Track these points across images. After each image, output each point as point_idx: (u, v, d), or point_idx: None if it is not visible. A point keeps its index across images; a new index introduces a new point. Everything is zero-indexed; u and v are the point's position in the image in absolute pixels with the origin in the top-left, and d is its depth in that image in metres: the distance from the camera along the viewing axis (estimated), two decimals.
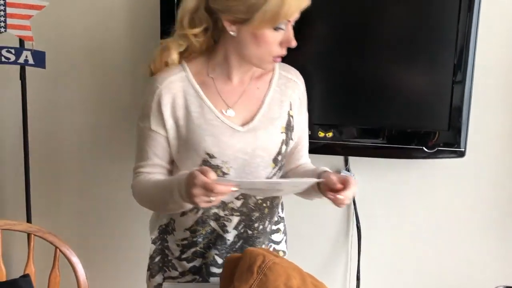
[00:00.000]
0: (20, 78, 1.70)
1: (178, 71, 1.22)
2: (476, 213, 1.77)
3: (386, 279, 1.85)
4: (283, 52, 1.18)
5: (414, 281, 1.83)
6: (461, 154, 1.61)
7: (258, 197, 1.25)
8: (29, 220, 1.76)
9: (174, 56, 1.21)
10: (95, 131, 1.85)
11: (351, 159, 1.77)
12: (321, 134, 1.64)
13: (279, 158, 1.26)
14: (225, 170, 1.20)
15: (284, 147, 1.27)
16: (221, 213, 1.24)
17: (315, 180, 1.14)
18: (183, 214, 1.25)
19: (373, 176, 1.78)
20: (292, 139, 1.30)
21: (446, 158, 1.63)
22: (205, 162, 1.20)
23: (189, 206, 1.14)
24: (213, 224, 1.25)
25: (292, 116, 1.29)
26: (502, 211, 1.75)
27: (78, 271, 1.40)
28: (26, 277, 0.84)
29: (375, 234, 1.81)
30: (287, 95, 1.29)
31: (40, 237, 1.41)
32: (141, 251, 1.92)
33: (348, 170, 1.79)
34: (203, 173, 1.03)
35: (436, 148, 1.61)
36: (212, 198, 1.03)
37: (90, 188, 1.90)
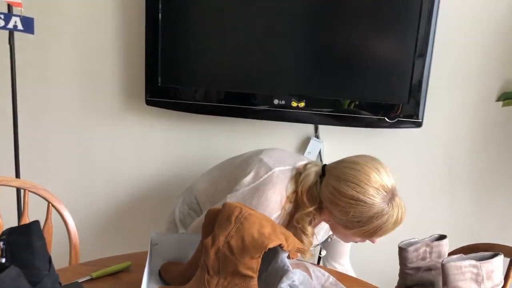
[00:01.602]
0: (9, 43, 1.77)
1: (281, 212, 1.31)
2: (430, 177, 1.95)
3: None
4: (365, 241, 1.31)
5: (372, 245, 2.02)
6: (419, 125, 1.79)
7: None
8: (17, 176, 1.87)
9: (310, 230, 1.31)
10: (83, 90, 1.95)
11: (321, 127, 1.92)
12: (294, 104, 1.78)
13: None
14: None
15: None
16: None
17: None
18: None
19: (341, 143, 1.94)
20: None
21: (406, 128, 1.80)
22: None
23: None
24: None
25: (330, 238, 1.50)
26: (453, 177, 1.94)
27: (69, 226, 1.53)
28: (36, 222, 0.97)
29: None
30: None
31: (34, 192, 1.53)
32: (126, 207, 2.07)
33: (317, 137, 1.95)
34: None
35: (397, 119, 1.77)
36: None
37: (78, 147, 2.01)
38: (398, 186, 1.92)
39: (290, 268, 1.11)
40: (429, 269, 0.98)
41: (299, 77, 1.81)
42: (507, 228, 1.94)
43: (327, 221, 1.34)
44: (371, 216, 1.19)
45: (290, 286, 1.05)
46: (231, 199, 1.33)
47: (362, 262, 1.75)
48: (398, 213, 1.20)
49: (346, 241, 1.38)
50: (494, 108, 1.84)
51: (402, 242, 0.99)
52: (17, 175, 1.86)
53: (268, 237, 1.04)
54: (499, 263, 0.93)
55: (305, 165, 1.34)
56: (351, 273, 1.66)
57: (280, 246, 1.09)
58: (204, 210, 1.49)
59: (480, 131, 1.88)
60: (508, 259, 1.26)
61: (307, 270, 1.15)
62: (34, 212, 1.60)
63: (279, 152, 1.48)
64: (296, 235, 1.30)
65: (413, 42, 1.71)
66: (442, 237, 1.04)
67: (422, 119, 1.78)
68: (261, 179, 1.32)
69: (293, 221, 1.31)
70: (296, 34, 1.77)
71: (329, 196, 1.25)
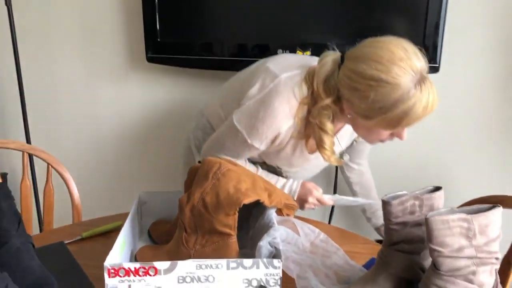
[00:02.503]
0: (6, 4, 1.75)
1: (293, 121, 1.22)
2: (451, 128, 1.82)
3: None
4: (392, 139, 1.19)
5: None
6: (436, 70, 1.64)
7: None
8: (28, 141, 1.88)
9: (329, 126, 1.21)
10: (84, 50, 1.92)
11: None
12: (300, 54, 1.67)
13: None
14: (284, 173, 1.40)
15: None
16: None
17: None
18: None
19: None
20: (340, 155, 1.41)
21: None
22: (273, 167, 1.38)
23: None
24: None
25: (355, 141, 1.43)
26: (477, 127, 1.80)
27: (71, 187, 1.52)
28: (2, 184, 0.95)
29: None
30: None
31: (33, 154, 1.53)
32: (133, 172, 2.06)
33: None
34: (316, 188, 1.35)
35: None
36: (316, 207, 1.37)
37: (83, 106, 1.99)
38: (416, 136, 1.82)
39: (275, 224, 1.05)
40: (418, 224, 0.89)
41: (303, 26, 1.69)
42: None
43: (347, 120, 1.21)
44: (395, 100, 1.03)
45: (270, 243, 0.99)
46: (237, 115, 1.25)
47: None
48: (428, 97, 1.03)
49: (371, 139, 1.23)
50: None
51: (387, 195, 0.90)
52: (27, 137, 1.88)
53: (244, 193, 0.98)
54: (496, 216, 0.83)
55: (321, 59, 1.21)
56: (368, 174, 1.58)
57: (260, 202, 1.02)
58: None
59: (503, 76, 1.72)
60: None
61: (294, 227, 1.09)
62: (42, 175, 1.62)
63: (288, 56, 1.34)
64: (314, 134, 1.23)
65: None
66: (437, 189, 0.94)
67: (439, 64, 1.63)
68: (267, 89, 1.21)
69: (310, 117, 1.21)
70: None
71: (346, 81, 1.10)
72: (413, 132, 1.19)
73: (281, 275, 0.94)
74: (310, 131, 1.25)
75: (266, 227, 1.04)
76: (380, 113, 1.07)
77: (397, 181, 1.84)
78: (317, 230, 1.11)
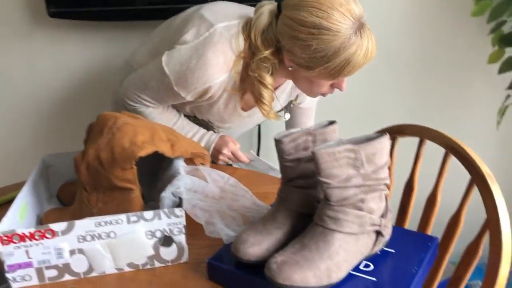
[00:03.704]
0: None
1: (228, 74, 1.19)
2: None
3: None
4: (332, 92, 1.19)
5: None
6: None
7: None
8: None
9: (269, 79, 1.19)
10: None
11: None
12: None
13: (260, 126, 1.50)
14: (215, 129, 1.40)
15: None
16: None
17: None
18: None
19: None
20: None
21: None
22: (204, 121, 1.38)
23: None
24: None
25: (292, 103, 1.42)
26: (393, 65, 1.83)
27: None
28: None
29: None
30: (298, 89, 1.31)
31: None
32: (50, 125, 1.96)
33: None
34: (234, 142, 1.35)
35: None
36: (230, 162, 1.38)
37: None
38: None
39: (182, 174, 1.04)
40: (312, 159, 0.90)
41: None
42: (445, 111, 1.86)
43: (287, 73, 1.20)
44: (337, 48, 1.03)
45: (173, 193, 0.99)
46: (166, 57, 1.19)
47: None
48: (368, 44, 1.05)
49: (312, 92, 1.22)
50: None
51: (279, 133, 0.90)
52: None
53: (140, 146, 0.96)
54: (382, 144, 0.85)
55: (256, 10, 1.18)
56: None
57: (160, 153, 1.01)
58: None
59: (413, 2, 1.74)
60: (416, 139, 1.19)
61: (202, 176, 1.08)
62: None
63: (225, 4, 1.29)
64: (253, 88, 1.21)
65: None
66: (331, 123, 0.95)
67: None
68: (201, 38, 1.16)
69: (249, 70, 1.19)
70: None
71: (286, 30, 1.08)
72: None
73: (184, 223, 0.94)
74: (247, 85, 1.23)
75: (172, 178, 1.03)
76: (323, 62, 1.06)
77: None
78: (226, 175, 1.11)
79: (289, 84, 1.34)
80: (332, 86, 1.18)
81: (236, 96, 1.27)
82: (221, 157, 1.36)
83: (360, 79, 1.82)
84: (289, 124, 1.53)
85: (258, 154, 1.95)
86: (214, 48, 1.15)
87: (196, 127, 1.37)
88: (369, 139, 0.87)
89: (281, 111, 1.41)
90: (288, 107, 1.43)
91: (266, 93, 1.20)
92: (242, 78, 1.22)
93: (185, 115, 1.38)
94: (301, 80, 1.19)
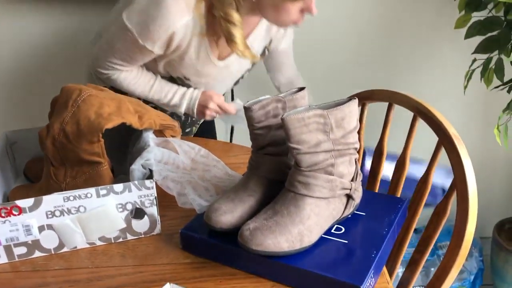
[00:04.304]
0: None
1: (191, 17, 1.16)
2: (334, 36, 1.83)
3: None
4: (303, 18, 1.16)
5: None
6: None
7: None
8: None
9: (236, 16, 1.16)
10: None
11: None
12: None
13: (239, 81, 1.46)
14: (193, 86, 1.36)
15: (247, 73, 1.43)
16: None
17: None
18: None
19: None
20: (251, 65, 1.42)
21: None
22: (179, 79, 1.33)
23: (181, 113, 1.37)
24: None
25: (267, 49, 1.39)
26: (359, 31, 1.83)
27: None
28: None
29: None
30: (271, 33, 1.31)
31: None
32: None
33: None
34: (217, 95, 1.34)
35: None
36: (218, 115, 1.36)
37: None
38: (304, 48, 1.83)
39: (152, 146, 1.03)
40: (282, 126, 0.90)
41: None
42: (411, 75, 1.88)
43: (252, 6, 1.17)
44: None
45: (143, 165, 0.97)
46: (126, 11, 1.17)
47: None
48: None
49: (282, 21, 1.19)
50: None
51: (249, 101, 0.90)
52: None
53: (106, 118, 0.93)
54: (351, 108, 0.85)
55: None
56: (299, 80, 1.53)
57: (127, 125, 0.99)
58: None
59: None
60: (386, 104, 1.20)
61: (172, 147, 1.07)
62: None
63: None
64: (222, 30, 1.19)
65: None
66: (300, 90, 0.94)
67: None
68: None
69: (213, 10, 1.18)
70: None
71: None
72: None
73: (155, 195, 0.93)
74: (217, 28, 1.21)
75: (142, 151, 1.02)
76: None
77: None
78: (197, 146, 1.10)
79: (260, 30, 1.32)
80: (302, 12, 1.17)
81: (206, 42, 1.24)
82: (208, 112, 1.34)
83: (325, 48, 1.83)
84: (270, 68, 1.51)
85: (232, 134, 1.93)
86: None
87: (175, 86, 1.34)
88: (338, 104, 0.87)
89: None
90: (264, 55, 1.42)
91: (235, 31, 1.18)
92: (209, 21, 1.20)
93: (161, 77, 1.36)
94: (267, 10, 1.18)
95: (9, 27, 1.77)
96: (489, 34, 1.53)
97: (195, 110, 1.35)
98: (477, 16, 1.55)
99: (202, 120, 1.56)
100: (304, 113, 0.81)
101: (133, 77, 1.30)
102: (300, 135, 0.81)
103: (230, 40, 1.19)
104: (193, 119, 1.50)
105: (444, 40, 1.82)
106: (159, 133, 1.13)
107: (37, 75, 1.84)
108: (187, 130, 1.53)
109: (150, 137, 1.07)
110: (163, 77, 1.35)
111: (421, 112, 1.09)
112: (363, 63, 1.86)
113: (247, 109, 0.89)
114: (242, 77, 1.46)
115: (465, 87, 1.58)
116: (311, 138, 0.82)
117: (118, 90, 1.30)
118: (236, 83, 1.48)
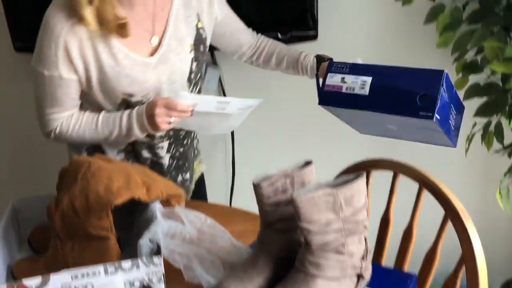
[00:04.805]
0: None
1: (73, 17, 1.12)
2: None
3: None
4: None
5: None
6: (315, 37, 1.67)
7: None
8: None
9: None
10: None
11: (217, 53, 1.78)
12: None
13: (192, 76, 1.29)
14: (145, 101, 1.21)
15: (195, 63, 1.28)
16: (152, 142, 1.31)
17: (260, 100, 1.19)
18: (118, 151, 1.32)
19: (240, 69, 1.81)
20: (204, 51, 1.30)
21: (302, 42, 1.67)
22: (125, 102, 1.21)
23: (140, 135, 1.22)
24: (146, 154, 1.33)
25: (202, 28, 1.27)
26: None
27: None
28: None
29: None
30: (192, 7, 1.25)
31: None
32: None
33: (215, 63, 1.81)
34: (161, 97, 1.16)
35: (290, 34, 1.64)
36: (172, 119, 1.14)
37: None
38: (303, 98, 1.84)
39: (159, 218, 1.02)
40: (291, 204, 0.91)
41: None
42: None
43: None
44: None
45: (151, 240, 0.97)
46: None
47: None
48: None
49: None
50: (393, 7, 1.72)
51: (256, 177, 0.90)
52: None
53: (115, 193, 0.94)
54: (359, 186, 0.86)
55: None
56: (255, 34, 1.41)
57: (136, 199, 0.99)
58: None
59: (380, 34, 1.78)
60: (391, 173, 1.21)
61: (178, 217, 1.07)
62: None
63: None
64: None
65: None
66: (307, 164, 0.95)
67: (317, 30, 1.66)
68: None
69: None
70: None
71: None
72: None
73: (163, 271, 0.92)
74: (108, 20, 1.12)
75: (149, 222, 1.01)
76: None
77: None
78: (203, 216, 1.10)
79: (178, 8, 1.23)
80: None
81: (115, 41, 1.16)
82: (158, 119, 1.14)
83: None
84: (227, 45, 1.39)
85: (233, 162, 1.91)
86: (52, 12, 1.12)
87: (118, 112, 1.23)
88: (346, 181, 0.88)
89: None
90: (202, 37, 1.29)
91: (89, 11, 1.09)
92: (99, 20, 1.11)
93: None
94: None
95: (12, 91, 1.80)
96: (487, 98, 1.56)
97: (147, 126, 1.17)
98: (474, 79, 1.58)
99: (198, 176, 1.53)
100: (314, 192, 0.82)
101: (74, 122, 1.23)
102: (310, 214, 0.82)
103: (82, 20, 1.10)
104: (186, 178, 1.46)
105: None
106: (166, 200, 1.13)
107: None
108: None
109: (157, 207, 1.07)
110: (110, 110, 1.26)
111: (426, 183, 1.10)
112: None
113: (256, 186, 0.90)
114: (199, 71, 1.31)
115: (467, 150, 1.60)
116: (321, 217, 0.82)
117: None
118: (197, 78, 1.31)
